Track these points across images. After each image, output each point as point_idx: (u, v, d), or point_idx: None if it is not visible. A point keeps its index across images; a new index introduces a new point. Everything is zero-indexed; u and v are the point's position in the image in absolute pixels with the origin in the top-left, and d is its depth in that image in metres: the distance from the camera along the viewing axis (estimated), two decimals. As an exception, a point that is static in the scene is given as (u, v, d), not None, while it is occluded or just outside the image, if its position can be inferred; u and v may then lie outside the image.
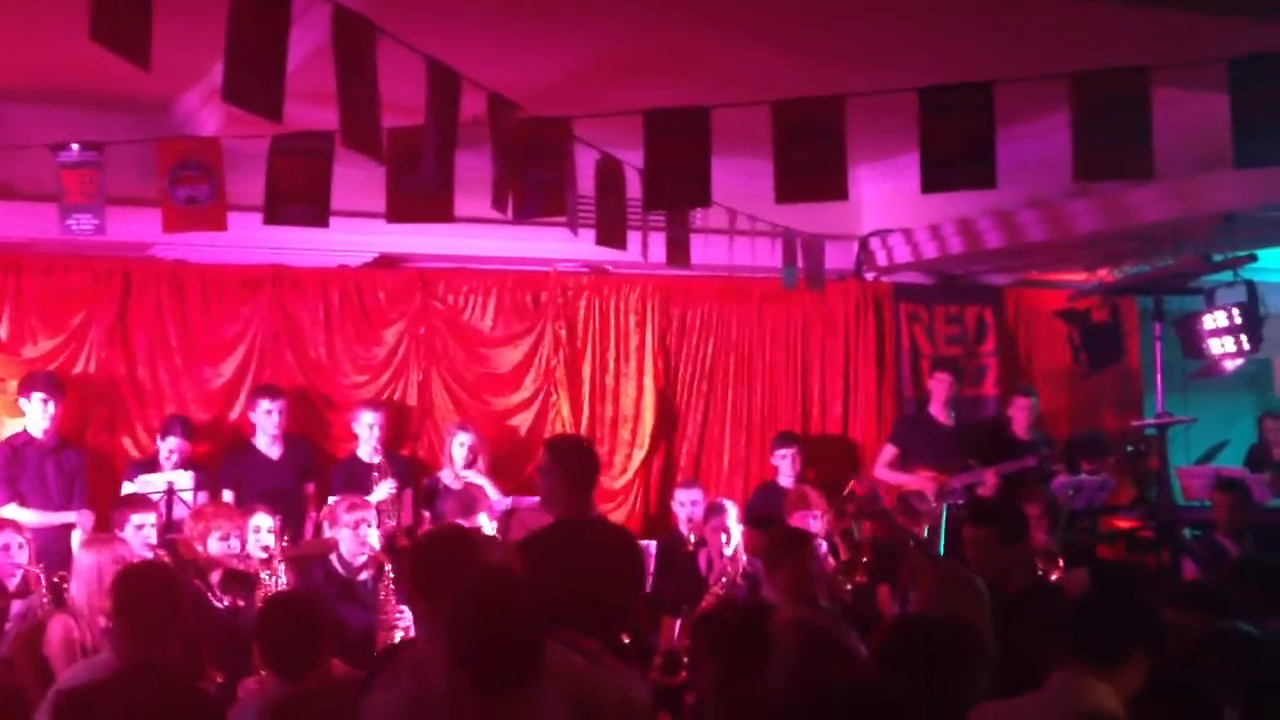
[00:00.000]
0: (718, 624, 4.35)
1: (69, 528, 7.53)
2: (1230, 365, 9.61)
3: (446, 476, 8.51)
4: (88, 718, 4.10)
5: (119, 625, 4.42)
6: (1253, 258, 8.72)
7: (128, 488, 7.74)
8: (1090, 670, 3.49)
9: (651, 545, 7.66)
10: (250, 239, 7.82)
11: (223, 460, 8.37)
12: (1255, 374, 11.51)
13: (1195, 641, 4.67)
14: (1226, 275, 9.03)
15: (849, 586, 7.24)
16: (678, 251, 7.50)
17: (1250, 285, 9.07)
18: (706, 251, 8.27)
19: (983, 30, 6.26)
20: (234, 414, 8.71)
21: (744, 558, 7.65)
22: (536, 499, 6.29)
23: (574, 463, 5.23)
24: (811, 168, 5.62)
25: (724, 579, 7.53)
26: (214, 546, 6.60)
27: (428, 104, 5.16)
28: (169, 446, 8.02)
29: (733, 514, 7.97)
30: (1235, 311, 9.14)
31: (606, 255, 7.63)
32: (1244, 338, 9.15)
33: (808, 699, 3.25)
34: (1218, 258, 8.75)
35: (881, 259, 10.19)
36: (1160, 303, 9.60)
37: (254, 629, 4.64)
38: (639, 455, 9.76)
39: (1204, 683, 3.37)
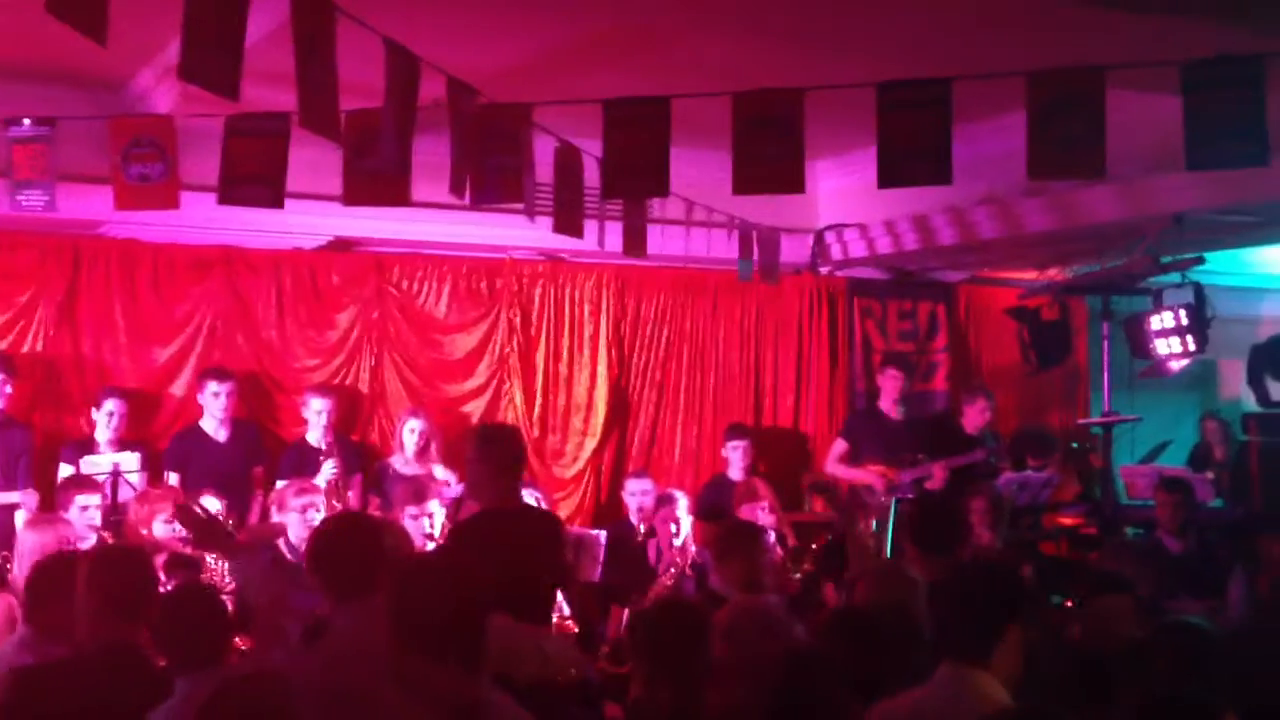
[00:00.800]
0: (651, 624, 4.39)
1: (12, 508, 7.43)
2: (1176, 366, 9.72)
3: (397, 462, 8.48)
4: (51, 696, 4.04)
5: (91, 604, 4.33)
6: (1200, 260, 8.82)
7: (64, 469, 7.64)
8: (970, 663, 3.59)
9: (602, 534, 7.66)
10: (203, 219, 7.77)
11: (170, 443, 8.28)
12: (1201, 375, 11.65)
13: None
14: (1174, 277, 9.14)
15: (797, 575, 7.29)
16: (634, 241, 7.51)
17: (1198, 287, 9.17)
18: (663, 242, 8.27)
19: (942, 26, 6.29)
20: (175, 388, 8.58)
21: (693, 548, 7.68)
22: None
23: (501, 451, 5.22)
24: (769, 159, 5.64)
25: (672, 569, 7.56)
26: (159, 529, 6.55)
27: (386, 87, 5.14)
28: (108, 409, 7.81)
29: (683, 505, 8.00)
30: (1182, 313, 9.23)
31: (562, 243, 7.62)
32: (1190, 339, 9.25)
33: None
34: (1166, 259, 8.85)
35: (836, 253, 10.22)
36: (1109, 302, 9.72)
37: (156, 621, 4.40)
38: (591, 444, 9.75)
39: (1203, 694, 3.41)
